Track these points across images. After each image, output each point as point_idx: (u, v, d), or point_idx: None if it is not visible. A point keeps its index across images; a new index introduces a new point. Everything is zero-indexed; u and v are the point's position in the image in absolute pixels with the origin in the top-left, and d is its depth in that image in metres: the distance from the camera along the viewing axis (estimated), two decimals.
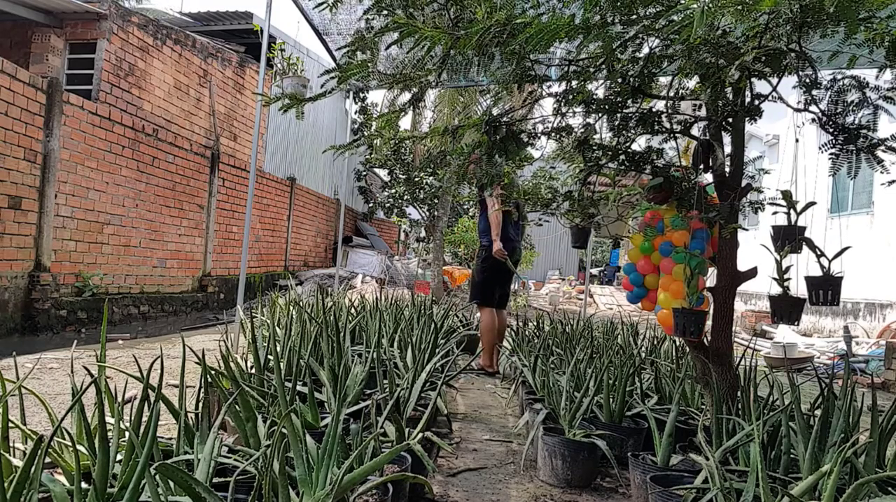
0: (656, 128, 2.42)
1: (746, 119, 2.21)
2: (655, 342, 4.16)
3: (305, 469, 1.55)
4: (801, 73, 2.05)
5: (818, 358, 6.97)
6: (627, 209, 3.40)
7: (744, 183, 2.34)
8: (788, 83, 2.22)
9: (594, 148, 2.53)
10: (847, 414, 1.95)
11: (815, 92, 2.17)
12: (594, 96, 2.41)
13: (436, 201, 13.77)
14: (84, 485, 1.35)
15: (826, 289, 2.18)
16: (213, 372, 2.12)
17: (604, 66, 2.19)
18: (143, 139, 7.57)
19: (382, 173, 17.08)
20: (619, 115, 2.36)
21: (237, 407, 1.96)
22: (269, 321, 3.92)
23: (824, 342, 7.86)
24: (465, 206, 17.21)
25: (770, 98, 2.21)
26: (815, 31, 1.73)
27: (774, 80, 2.11)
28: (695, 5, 1.57)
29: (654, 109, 2.44)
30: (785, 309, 2.21)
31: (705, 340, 2.48)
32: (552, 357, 3.59)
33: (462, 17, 2.10)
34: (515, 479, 2.51)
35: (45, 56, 7.08)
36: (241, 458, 1.74)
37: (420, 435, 2.04)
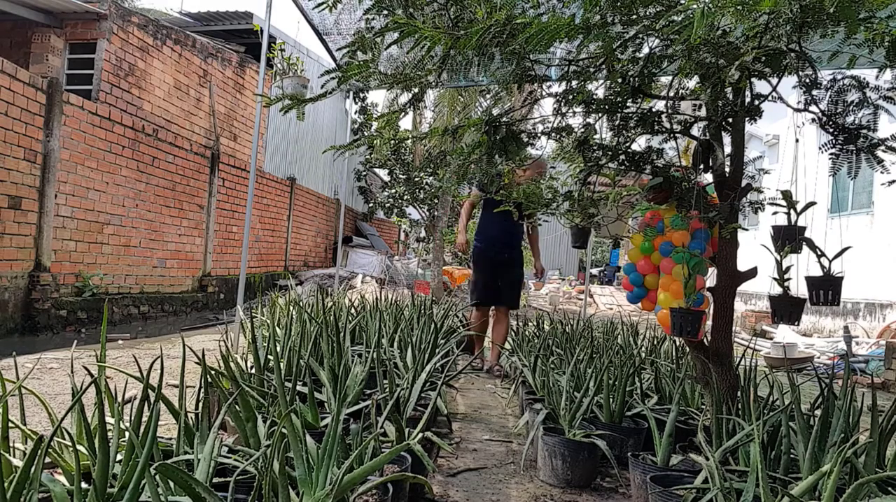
0: (656, 128, 2.41)
1: (746, 119, 2.21)
2: (655, 342, 4.15)
3: (305, 469, 1.55)
4: (801, 73, 2.05)
5: (818, 358, 6.97)
6: (627, 209, 3.40)
7: (744, 183, 2.34)
8: (788, 83, 2.22)
9: (594, 148, 2.53)
10: (847, 414, 1.95)
11: (815, 92, 2.17)
12: (594, 96, 2.40)
13: (436, 201, 13.77)
14: (84, 485, 1.35)
15: (826, 289, 2.18)
16: (213, 372, 2.12)
17: (604, 66, 2.20)
18: (143, 139, 7.58)
19: (382, 173, 17.08)
20: (619, 115, 2.36)
21: (237, 407, 1.96)
22: (269, 321, 3.92)
23: (824, 342, 7.86)
24: None
25: (770, 98, 2.21)
26: (815, 31, 1.73)
27: (774, 80, 2.11)
28: (695, 5, 1.57)
29: (654, 109, 2.44)
30: (785, 309, 2.22)
31: (705, 340, 2.48)
32: (552, 357, 3.59)
33: (462, 17, 2.10)
34: (515, 479, 2.51)
35: (45, 56, 7.09)
36: (241, 458, 1.74)
37: (420, 435, 2.04)
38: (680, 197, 2.29)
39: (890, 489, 1.77)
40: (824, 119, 2.26)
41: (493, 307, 5.02)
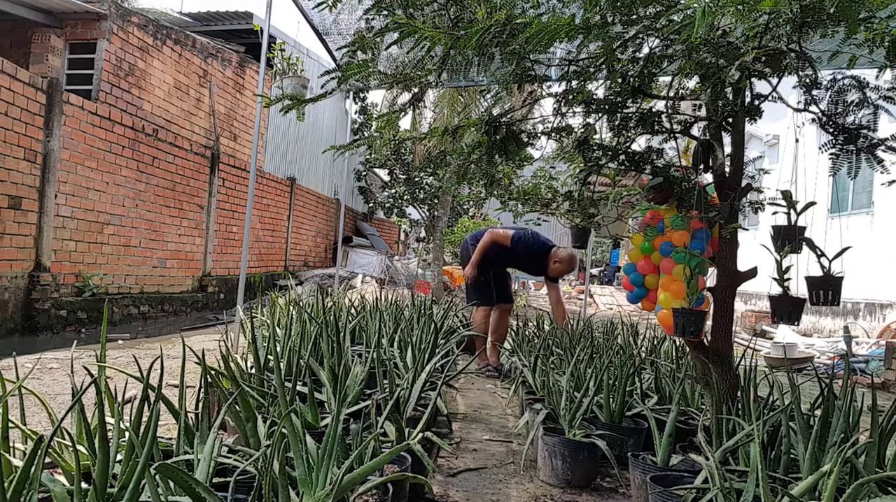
0: (656, 128, 2.42)
1: (746, 119, 2.21)
2: (655, 342, 4.15)
3: (305, 469, 1.55)
4: (801, 73, 2.05)
5: (818, 358, 6.97)
6: (627, 209, 3.40)
7: (744, 183, 2.34)
8: (788, 83, 2.22)
9: (594, 148, 2.53)
10: (847, 414, 1.95)
11: (815, 92, 2.17)
12: (594, 96, 2.41)
13: (436, 201, 13.76)
14: (84, 485, 1.35)
15: (826, 289, 2.18)
16: (213, 372, 2.12)
17: (604, 66, 2.20)
18: (143, 139, 7.57)
19: (382, 173, 17.08)
20: (619, 115, 2.36)
21: (237, 407, 1.96)
22: (268, 321, 3.92)
23: (824, 342, 7.86)
24: (465, 206, 17.21)
25: (770, 98, 2.21)
26: (815, 31, 1.73)
27: (774, 80, 2.11)
28: (695, 5, 1.57)
29: (654, 109, 2.44)
30: (785, 309, 2.22)
31: (705, 340, 2.48)
32: (552, 357, 3.59)
33: (462, 17, 2.10)
34: (515, 479, 2.51)
35: (45, 56, 7.08)
36: (241, 458, 1.74)
37: (420, 435, 2.04)
38: (680, 197, 2.29)
39: (890, 489, 1.77)
40: (824, 119, 2.26)
41: (495, 306, 5.07)
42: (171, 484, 1.40)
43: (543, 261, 4.88)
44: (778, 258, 2.19)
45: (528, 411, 3.05)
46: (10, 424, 1.52)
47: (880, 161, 2.22)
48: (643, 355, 3.77)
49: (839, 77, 2.24)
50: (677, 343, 3.70)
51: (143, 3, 12.66)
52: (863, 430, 2.10)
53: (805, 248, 2.19)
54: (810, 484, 1.64)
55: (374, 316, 4.03)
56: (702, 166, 2.41)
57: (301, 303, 4.17)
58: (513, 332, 5.13)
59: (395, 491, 1.68)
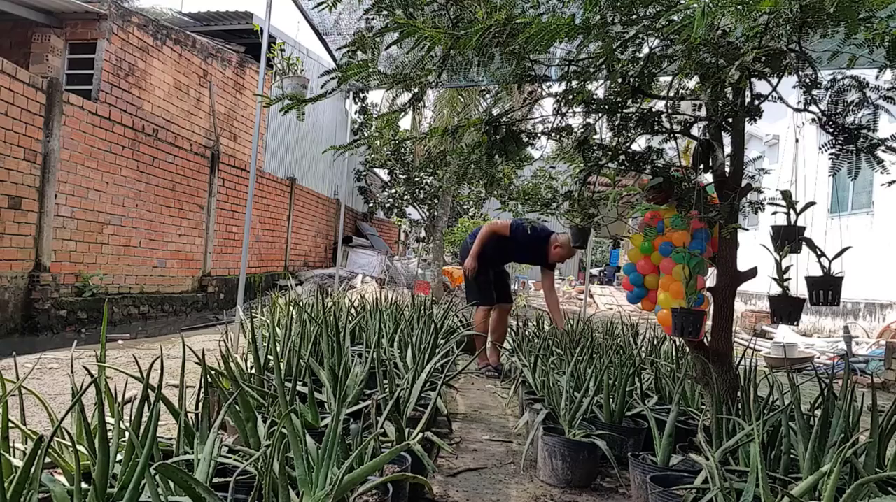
0: (656, 128, 2.42)
1: (746, 119, 2.21)
2: (655, 342, 4.15)
3: (305, 469, 1.55)
4: (801, 73, 2.05)
5: (818, 358, 6.97)
6: (627, 209, 3.40)
7: (744, 183, 2.34)
8: (788, 83, 2.22)
9: (594, 148, 2.53)
10: (847, 414, 1.95)
11: (815, 92, 2.17)
12: (594, 96, 2.41)
13: (436, 201, 13.76)
14: (84, 485, 1.35)
15: (826, 289, 2.19)
16: (213, 372, 2.12)
17: (604, 66, 2.20)
18: (143, 139, 7.57)
19: (382, 173, 17.08)
20: (619, 115, 2.36)
21: (237, 407, 1.96)
22: (268, 321, 3.92)
23: (824, 342, 7.85)
24: (465, 206, 17.21)
25: (770, 98, 2.21)
26: (815, 31, 1.73)
27: (774, 80, 2.11)
28: (695, 5, 1.57)
29: (654, 109, 2.45)
30: (785, 309, 2.22)
31: (705, 340, 2.48)
32: (552, 357, 3.59)
33: (462, 17, 2.10)
34: (515, 479, 2.51)
35: (45, 56, 7.08)
36: (241, 458, 1.74)
37: (420, 435, 2.04)
38: (680, 197, 2.29)
39: (890, 489, 1.77)
40: (824, 119, 2.26)
41: (494, 305, 5.05)
42: (171, 484, 1.40)
43: (544, 247, 4.81)
44: (778, 258, 2.19)
45: (528, 411, 3.05)
46: (10, 424, 1.52)
47: (880, 161, 2.22)
48: (643, 355, 3.77)
49: (839, 77, 2.24)
50: (677, 343, 3.70)
51: (143, 3, 12.67)
52: (863, 430, 2.10)
53: (805, 248, 2.19)
54: (810, 484, 1.64)
55: (374, 316, 4.03)
56: (702, 166, 2.41)
57: (301, 303, 4.17)
58: (513, 332, 5.13)
59: (395, 491, 1.68)
